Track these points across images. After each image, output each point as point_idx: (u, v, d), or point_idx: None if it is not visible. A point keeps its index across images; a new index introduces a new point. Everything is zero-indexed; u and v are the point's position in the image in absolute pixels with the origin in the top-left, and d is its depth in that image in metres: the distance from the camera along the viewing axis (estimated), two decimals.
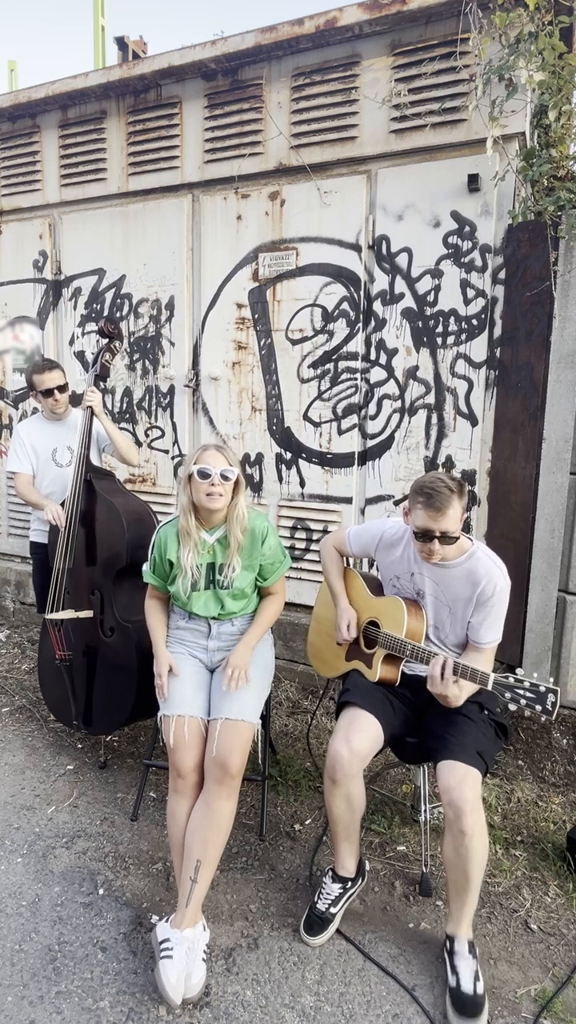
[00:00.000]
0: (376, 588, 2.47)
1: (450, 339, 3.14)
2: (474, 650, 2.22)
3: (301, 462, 3.58)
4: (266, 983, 2.02)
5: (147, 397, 3.99)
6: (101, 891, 2.35)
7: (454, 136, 3.01)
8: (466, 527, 3.14)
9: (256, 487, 3.72)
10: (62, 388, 3.21)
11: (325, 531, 3.55)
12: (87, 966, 2.06)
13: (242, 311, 3.63)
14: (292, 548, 3.62)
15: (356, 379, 3.38)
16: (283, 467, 3.64)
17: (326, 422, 3.48)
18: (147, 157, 3.78)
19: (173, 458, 3.96)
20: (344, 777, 2.10)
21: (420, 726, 2.26)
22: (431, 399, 3.22)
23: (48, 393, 3.19)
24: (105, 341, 3.07)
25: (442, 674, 2.03)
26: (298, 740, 3.26)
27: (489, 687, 1.93)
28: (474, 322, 3.08)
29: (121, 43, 4.97)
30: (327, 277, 3.38)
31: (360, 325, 3.33)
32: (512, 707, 1.89)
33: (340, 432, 3.46)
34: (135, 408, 4.03)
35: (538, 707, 1.85)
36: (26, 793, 2.88)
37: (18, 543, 4.57)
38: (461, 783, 1.96)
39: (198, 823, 2.10)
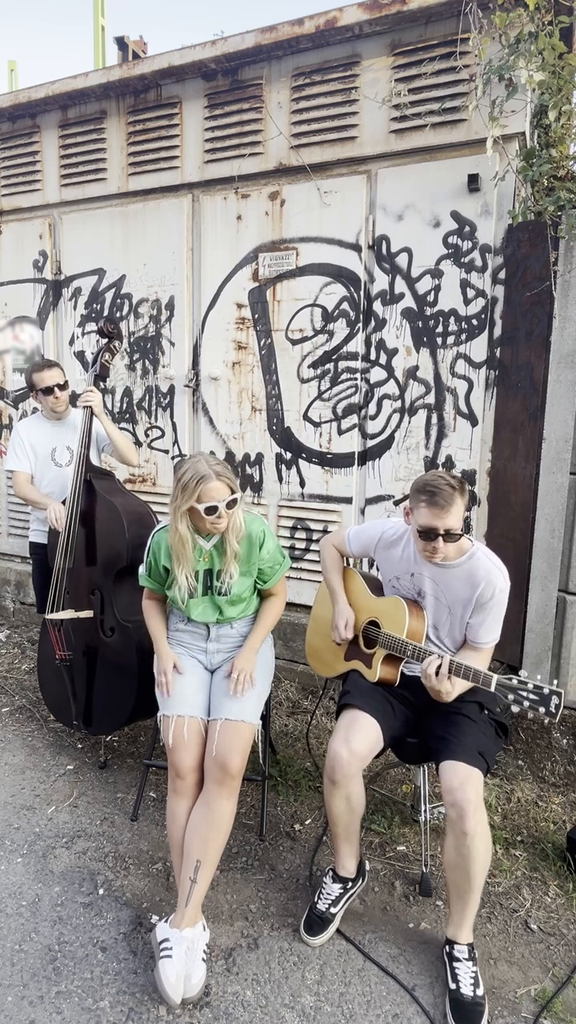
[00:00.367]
0: (376, 588, 2.47)
1: (450, 339, 3.14)
2: (472, 649, 2.23)
3: (301, 462, 3.58)
4: (266, 983, 2.02)
5: (147, 397, 3.99)
6: (101, 891, 2.35)
7: (454, 136, 3.02)
8: (466, 527, 3.15)
9: (256, 487, 3.72)
10: (62, 386, 3.21)
11: (325, 531, 3.55)
12: (87, 966, 2.06)
13: (242, 311, 3.63)
14: (292, 548, 3.63)
15: (356, 379, 3.38)
16: (283, 467, 3.64)
17: (326, 422, 3.48)
18: (147, 157, 3.78)
19: (173, 458, 3.96)
20: (344, 778, 2.10)
21: (420, 726, 2.26)
22: (431, 399, 3.22)
23: (48, 391, 3.18)
24: (105, 341, 3.07)
25: (437, 672, 2.04)
26: (298, 740, 3.26)
27: (492, 689, 1.94)
28: (474, 322, 3.08)
29: (121, 43, 4.97)
30: (327, 277, 3.38)
31: (360, 325, 3.33)
32: (515, 709, 1.89)
33: (340, 432, 3.46)
34: (135, 408, 4.03)
35: (541, 709, 1.84)
36: (26, 793, 2.88)
37: (18, 543, 4.57)
38: (464, 783, 1.96)
39: (198, 823, 2.10)
